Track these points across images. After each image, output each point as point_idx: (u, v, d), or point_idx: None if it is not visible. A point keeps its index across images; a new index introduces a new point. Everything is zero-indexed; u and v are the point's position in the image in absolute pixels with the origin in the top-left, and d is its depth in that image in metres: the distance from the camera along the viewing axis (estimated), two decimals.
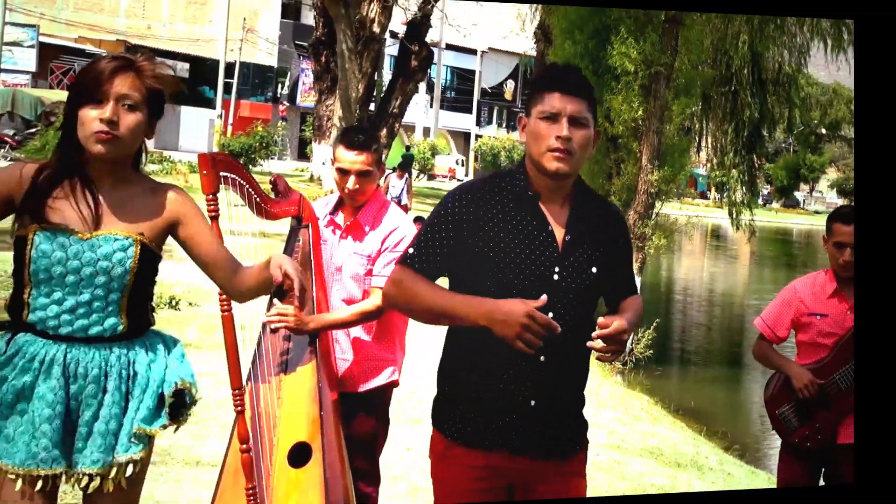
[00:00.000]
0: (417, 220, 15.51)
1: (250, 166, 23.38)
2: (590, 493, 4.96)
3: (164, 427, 2.34)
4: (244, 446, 2.88)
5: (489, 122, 52.95)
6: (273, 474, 2.99)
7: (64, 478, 2.27)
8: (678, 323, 16.55)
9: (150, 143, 2.51)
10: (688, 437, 7.60)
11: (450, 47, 44.94)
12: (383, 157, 21.25)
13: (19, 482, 2.21)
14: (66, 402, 2.24)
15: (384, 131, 25.22)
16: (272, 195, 3.29)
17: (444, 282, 2.48)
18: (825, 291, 3.64)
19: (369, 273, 3.32)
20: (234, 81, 37.37)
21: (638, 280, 11.55)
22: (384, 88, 27.91)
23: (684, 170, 12.54)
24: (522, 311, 2.18)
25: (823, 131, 56.68)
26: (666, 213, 12.44)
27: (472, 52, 48.32)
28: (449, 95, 49.62)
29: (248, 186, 3.04)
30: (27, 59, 29.90)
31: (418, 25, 26.19)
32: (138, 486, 2.36)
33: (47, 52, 31.86)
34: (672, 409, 9.12)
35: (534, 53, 22.56)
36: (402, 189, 18.10)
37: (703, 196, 49.57)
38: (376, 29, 24.16)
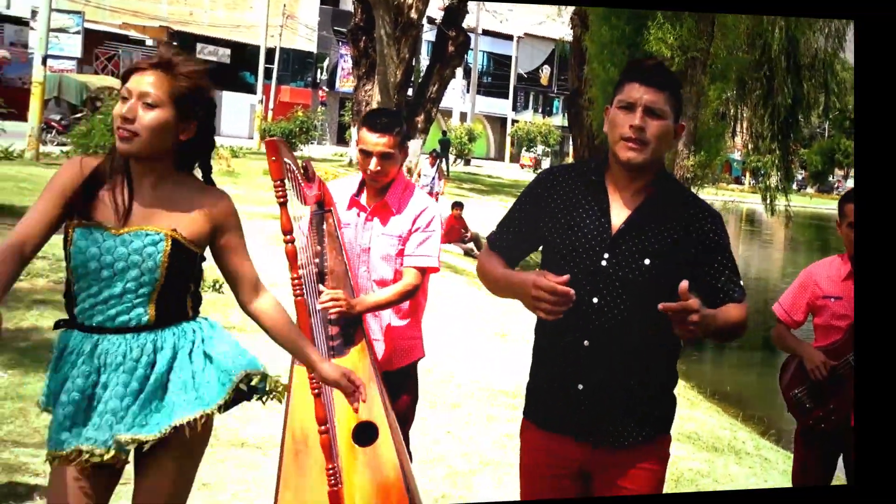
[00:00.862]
0: (456, 205, 15.68)
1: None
2: None
3: (219, 409, 2.34)
4: (322, 427, 2.93)
5: (525, 108, 52.95)
6: (341, 454, 3.03)
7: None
8: None
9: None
10: (724, 421, 7.59)
11: (486, 33, 44.97)
12: (422, 142, 21.58)
13: (56, 462, 2.30)
14: (85, 390, 2.29)
15: (422, 116, 25.39)
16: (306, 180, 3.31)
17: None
18: (840, 274, 3.64)
19: (400, 253, 3.36)
20: (275, 67, 37.46)
21: None
22: (422, 74, 28.09)
23: (720, 155, 12.56)
24: (531, 281, 2.24)
25: None
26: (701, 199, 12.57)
27: (509, 37, 48.31)
28: (485, 81, 49.67)
29: (296, 172, 3.12)
30: (73, 46, 29.94)
31: (455, 11, 26.26)
32: (188, 463, 2.39)
33: (92, 39, 32.04)
34: (708, 394, 9.15)
35: (570, 39, 22.58)
36: (434, 176, 18.17)
37: (738, 181, 49.18)
38: (414, 14, 24.24)
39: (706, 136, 11.78)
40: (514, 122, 49.41)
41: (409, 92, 25.78)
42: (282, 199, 2.97)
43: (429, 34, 32.56)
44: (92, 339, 2.30)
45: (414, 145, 25.20)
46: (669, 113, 2.33)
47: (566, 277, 2.21)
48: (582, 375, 2.38)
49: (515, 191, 21.33)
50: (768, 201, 15.65)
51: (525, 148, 46.30)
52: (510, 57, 49.39)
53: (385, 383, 3.26)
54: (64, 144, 19.59)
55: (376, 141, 3.27)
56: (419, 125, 25.23)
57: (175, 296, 2.36)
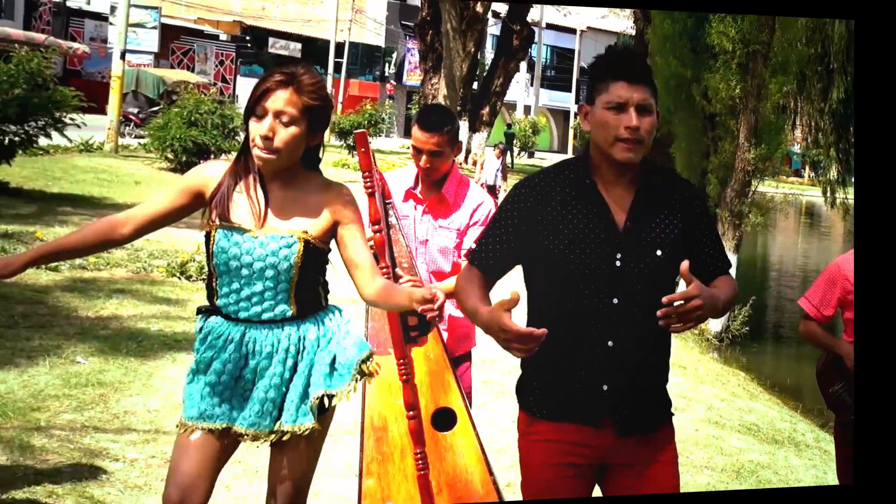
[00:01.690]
0: None
1: None
2: (689, 468, 5.13)
3: (340, 395, 2.51)
4: (411, 413, 2.99)
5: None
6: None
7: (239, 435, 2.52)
8: (773, 300, 16.26)
9: None
10: (784, 413, 7.62)
11: (550, 27, 45.05)
12: (487, 134, 21.93)
13: (197, 433, 2.49)
14: (235, 375, 2.48)
15: (487, 109, 25.67)
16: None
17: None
18: None
19: (458, 246, 3.40)
20: (344, 61, 37.82)
21: (734, 258, 11.57)
22: (487, 67, 28.35)
23: (780, 148, 12.53)
24: (496, 325, 2.16)
25: None
26: (762, 192, 12.28)
27: (572, 31, 48.29)
28: (549, 74, 49.74)
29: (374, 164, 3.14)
30: (150, 41, 30.39)
31: (520, 5, 26.39)
32: (318, 443, 2.58)
33: (168, 33, 32.52)
34: (768, 386, 9.21)
35: (632, 32, 22.63)
36: (497, 170, 18.17)
37: (798, 174, 48.35)
38: (480, 9, 24.43)
39: (767, 130, 11.62)
40: (576, 115, 49.36)
41: (475, 85, 26.00)
42: (370, 190, 3.02)
43: (493, 28, 32.82)
44: (239, 327, 2.48)
45: (479, 138, 25.53)
46: (654, 105, 2.32)
47: (515, 296, 2.14)
48: (607, 375, 2.34)
49: None
50: (828, 194, 15.53)
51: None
52: (573, 50, 49.34)
53: None
54: (141, 137, 19.84)
55: (425, 139, 3.31)
56: (484, 118, 25.54)
57: (310, 289, 2.52)
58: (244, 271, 2.44)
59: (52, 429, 4.34)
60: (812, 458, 6.10)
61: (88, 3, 33.61)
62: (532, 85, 44.26)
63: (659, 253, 2.34)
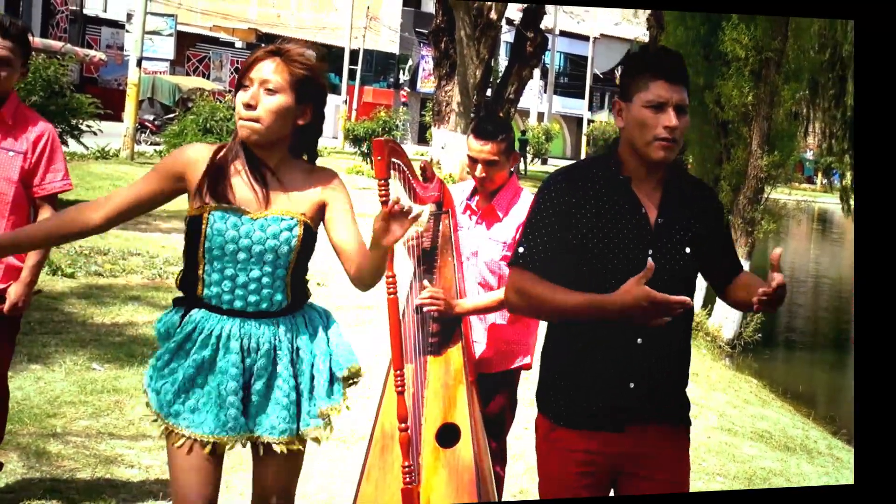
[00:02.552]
0: None
1: None
2: (702, 474, 5.17)
3: (338, 406, 2.42)
4: (403, 426, 2.87)
5: (601, 108, 52.82)
6: (423, 453, 3.02)
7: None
8: (785, 307, 16.09)
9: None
10: (797, 420, 7.63)
11: (563, 34, 45.03)
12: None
13: (208, 448, 2.31)
14: (239, 380, 2.32)
15: (500, 116, 25.69)
16: (421, 180, 3.32)
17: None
18: None
19: (505, 259, 3.32)
20: (359, 68, 37.93)
21: (747, 264, 11.48)
22: (500, 74, 28.39)
23: (793, 155, 12.48)
24: (643, 297, 2.14)
25: None
26: (774, 199, 12.24)
27: (585, 38, 48.29)
28: (562, 81, 49.75)
29: (408, 172, 3.09)
30: (166, 48, 30.64)
31: (534, 12, 26.40)
32: (301, 455, 2.46)
33: (184, 41, 32.83)
34: (780, 393, 9.18)
35: (646, 39, 22.63)
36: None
37: (810, 181, 48.20)
38: (493, 16, 24.49)
39: (779, 136, 11.59)
40: (590, 121, 49.34)
41: (489, 92, 26.03)
42: (383, 199, 3.02)
43: (507, 35, 32.88)
44: (234, 322, 2.32)
45: None
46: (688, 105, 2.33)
47: (650, 265, 2.16)
48: (634, 373, 2.34)
49: None
50: (845, 201, 15.45)
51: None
52: (586, 57, 49.33)
53: (480, 386, 3.24)
54: (157, 144, 20.03)
55: (480, 148, 3.31)
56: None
57: (301, 278, 2.42)
58: (241, 255, 2.30)
59: (68, 435, 4.37)
60: (824, 465, 6.08)
61: (105, 10, 33.86)
62: (545, 92, 44.26)
63: (688, 250, 2.36)
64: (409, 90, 42.99)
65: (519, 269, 2.39)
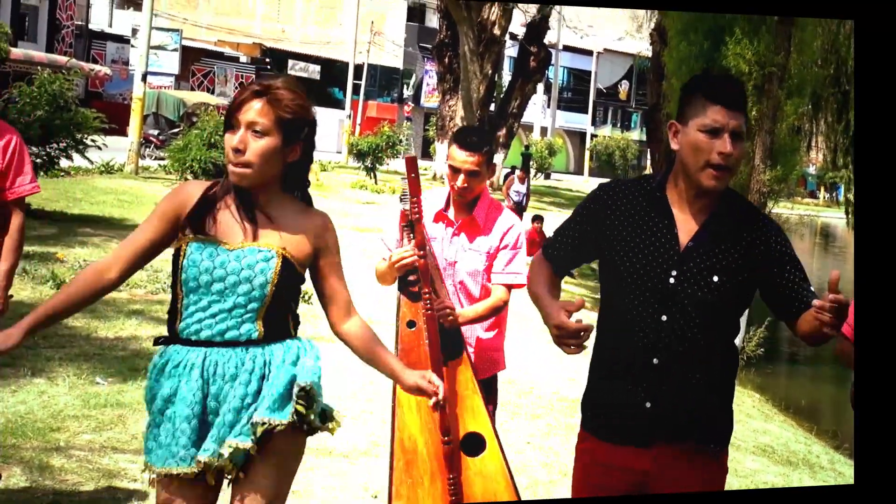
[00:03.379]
0: (536, 218, 15.86)
1: (377, 165, 23.71)
2: None
3: (290, 423, 2.29)
4: (446, 438, 2.97)
5: (604, 122, 53.02)
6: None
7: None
8: None
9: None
10: (799, 435, 7.64)
11: (567, 49, 45.16)
12: (503, 156, 22.05)
13: (175, 481, 2.28)
14: (203, 402, 2.30)
15: (503, 131, 25.75)
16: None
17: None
18: None
19: (488, 269, 3.40)
20: (363, 83, 38.11)
21: None
22: (504, 89, 28.48)
23: (796, 170, 12.48)
24: (554, 321, 2.25)
25: None
26: (777, 213, 12.29)
27: (588, 53, 48.50)
28: (566, 96, 49.91)
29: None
30: (171, 63, 30.65)
31: (537, 27, 26.52)
32: (282, 471, 2.36)
33: (189, 56, 32.84)
34: (783, 407, 9.22)
35: (649, 54, 22.69)
36: (524, 193, 18.30)
37: (813, 195, 48.25)
38: (497, 31, 24.61)
39: (782, 151, 11.63)
40: (593, 136, 49.50)
41: (492, 107, 26.11)
42: (416, 216, 3.04)
43: (511, 50, 32.99)
44: (199, 351, 2.31)
45: (495, 160, 25.60)
46: (745, 135, 2.30)
47: (580, 302, 2.27)
48: (651, 393, 2.34)
49: None
50: (850, 215, 15.48)
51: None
52: (590, 72, 49.51)
53: None
54: (162, 159, 19.97)
55: (465, 158, 3.32)
56: (501, 139, 25.64)
57: (279, 314, 2.37)
58: (216, 286, 2.29)
59: (71, 449, 4.37)
60: (827, 479, 6.09)
61: (110, 25, 34.08)
62: (549, 106, 44.37)
63: (716, 279, 2.32)
64: (412, 105, 43.13)
65: (541, 255, 2.57)
